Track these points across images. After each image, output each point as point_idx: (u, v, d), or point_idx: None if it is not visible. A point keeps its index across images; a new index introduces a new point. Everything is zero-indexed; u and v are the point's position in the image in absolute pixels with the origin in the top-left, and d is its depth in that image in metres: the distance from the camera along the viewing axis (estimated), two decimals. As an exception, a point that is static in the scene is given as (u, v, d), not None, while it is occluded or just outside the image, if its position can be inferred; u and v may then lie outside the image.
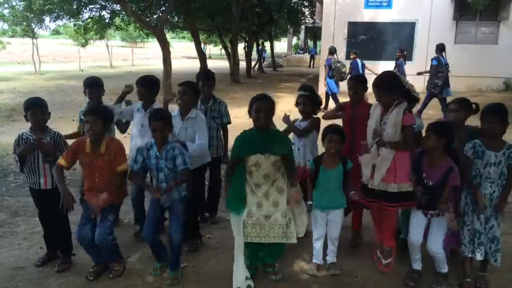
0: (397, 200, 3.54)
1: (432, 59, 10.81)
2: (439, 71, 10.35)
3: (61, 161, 3.58)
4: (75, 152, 3.62)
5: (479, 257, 3.43)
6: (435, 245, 3.48)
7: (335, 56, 12.62)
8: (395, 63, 12.50)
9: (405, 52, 12.55)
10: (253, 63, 25.41)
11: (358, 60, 12.58)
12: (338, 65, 12.07)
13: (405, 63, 12.36)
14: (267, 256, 3.75)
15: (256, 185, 3.48)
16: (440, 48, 10.65)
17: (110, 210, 3.66)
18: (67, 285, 3.56)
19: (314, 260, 3.82)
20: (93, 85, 4.53)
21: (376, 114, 3.64)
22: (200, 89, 4.47)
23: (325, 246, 3.84)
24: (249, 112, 3.46)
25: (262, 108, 3.38)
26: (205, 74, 4.72)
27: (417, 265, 3.68)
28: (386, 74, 3.74)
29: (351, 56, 12.89)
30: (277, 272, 3.72)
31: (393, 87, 3.56)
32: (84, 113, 3.80)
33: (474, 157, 3.40)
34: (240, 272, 3.47)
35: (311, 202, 3.72)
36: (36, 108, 3.64)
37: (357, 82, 4.23)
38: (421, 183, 3.44)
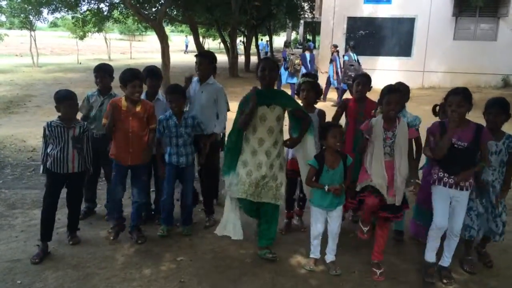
0: (390, 210, 3.55)
1: (343, 56, 12.48)
2: (351, 64, 11.89)
3: (104, 120, 4.06)
4: (112, 110, 3.98)
5: (479, 235, 3.71)
6: (459, 226, 3.52)
7: (289, 49, 14.33)
8: (330, 59, 13.26)
9: (337, 48, 13.40)
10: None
11: (307, 54, 13.33)
12: (291, 57, 13.08)
13: (338, 58, 12.94)
14: (261, 238, 3.94)
15: (260, 140, 3.74)
16: (352, 46, 12.40)
17: (144, 170, 4.23)
18: (64, 277, 3.56)
19: (311, 255, 3.81)
20: (102, 71, 4.61)
21: (379, 129, 3.52)
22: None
23: (323, 242, 3.82)
24: (256, 72, 3.82)
25: (266, 67, 3.73)
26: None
27: (433, 257, 3.63)
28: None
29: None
30: (271, 252, 3.88)
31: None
32: (129, 77, 3.96)
33: None
34: (230, 222, 3.96)
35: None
36: (69, 101, 3.91)
37: (364, 79, 4.26)
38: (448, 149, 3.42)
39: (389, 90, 3.51)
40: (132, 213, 4.26)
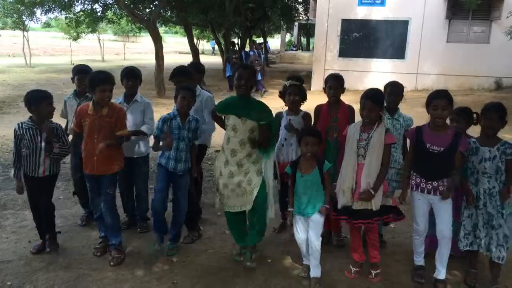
0: (364, 217, 3.49)
1: (249, 52, 16.84)
2: (255, 60, 14.85)
3: (74, 127, 3.92)
4: (79, 116, 3.80)
5: (478, 249, 3.50)
6: (447, 228, 3.43)
7: (232, 47, 18.88)
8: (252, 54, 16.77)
9: (262, 44, 17.56)
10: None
11: (243, 52, 17.47)
12: (230, 53, 17.25)
13: (263, 53, 16.30)
14: (250, 237, 3.86)
15: (232, 151, 3.68)
16: (260, 44, 16.80)
17: (108, 182, 3.83)
18: (55, 279, 3.53)
19: (304, 262, 3.71)
20: (82, 72, 4.44)
21: (355, 131, 3.50)
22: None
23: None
24: (233, 81, 3.72)
25: (242, 75, 3.63)
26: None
27: (421, 260, 3.63)
28: (378, 89, 3.72)
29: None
30: (253, 258, 3.80)
31: (382, 103, 3.56)
32: (98, 81, 3.70)
33: (469, 154, 3.50)
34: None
35: (291, 209, 3.59)
36: (48, 100, 3.79)
37: (338, 81, 4.06)
38: (423, 154, 3.42)
39: (365, 96, 3.46)
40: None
